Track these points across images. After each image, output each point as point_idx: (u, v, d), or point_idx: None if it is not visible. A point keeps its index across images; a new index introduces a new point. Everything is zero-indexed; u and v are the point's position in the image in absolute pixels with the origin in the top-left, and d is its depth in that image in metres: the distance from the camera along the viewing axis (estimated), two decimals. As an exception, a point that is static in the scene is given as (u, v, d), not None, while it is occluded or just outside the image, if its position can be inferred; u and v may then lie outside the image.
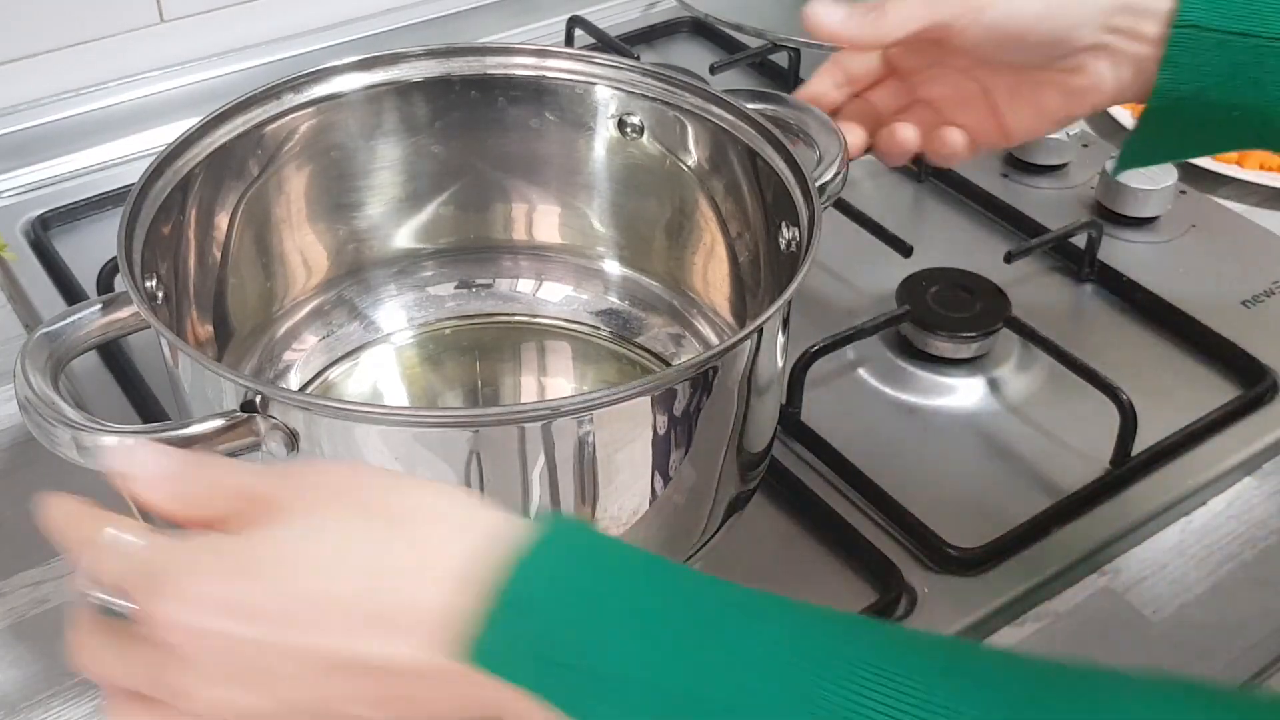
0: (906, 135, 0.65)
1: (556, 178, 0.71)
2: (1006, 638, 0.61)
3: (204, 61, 0.93)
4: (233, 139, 0.62)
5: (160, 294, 0.56)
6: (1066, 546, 0.64)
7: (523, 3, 1.04)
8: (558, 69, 0.67)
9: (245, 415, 0.49)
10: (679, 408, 0.52)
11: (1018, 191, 0.88)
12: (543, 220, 0.72)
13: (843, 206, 0.82)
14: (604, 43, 0.98)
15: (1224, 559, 0.65)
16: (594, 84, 0.67)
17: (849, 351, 0.73)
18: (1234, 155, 0.91)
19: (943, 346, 0.74)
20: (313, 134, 0.66)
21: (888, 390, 0.73)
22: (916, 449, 0.70)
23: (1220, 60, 0.58)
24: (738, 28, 0.94)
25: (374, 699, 0.41)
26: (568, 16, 1.02)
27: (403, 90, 0.66)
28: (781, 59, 0.98)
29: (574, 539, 0.41)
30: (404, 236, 0.72)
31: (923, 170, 0.89)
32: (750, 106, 0.63)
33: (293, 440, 0.49)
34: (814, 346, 0.70)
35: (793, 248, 0.59)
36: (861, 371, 0.74)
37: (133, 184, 0.57)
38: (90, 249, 0.80)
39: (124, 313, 0.53)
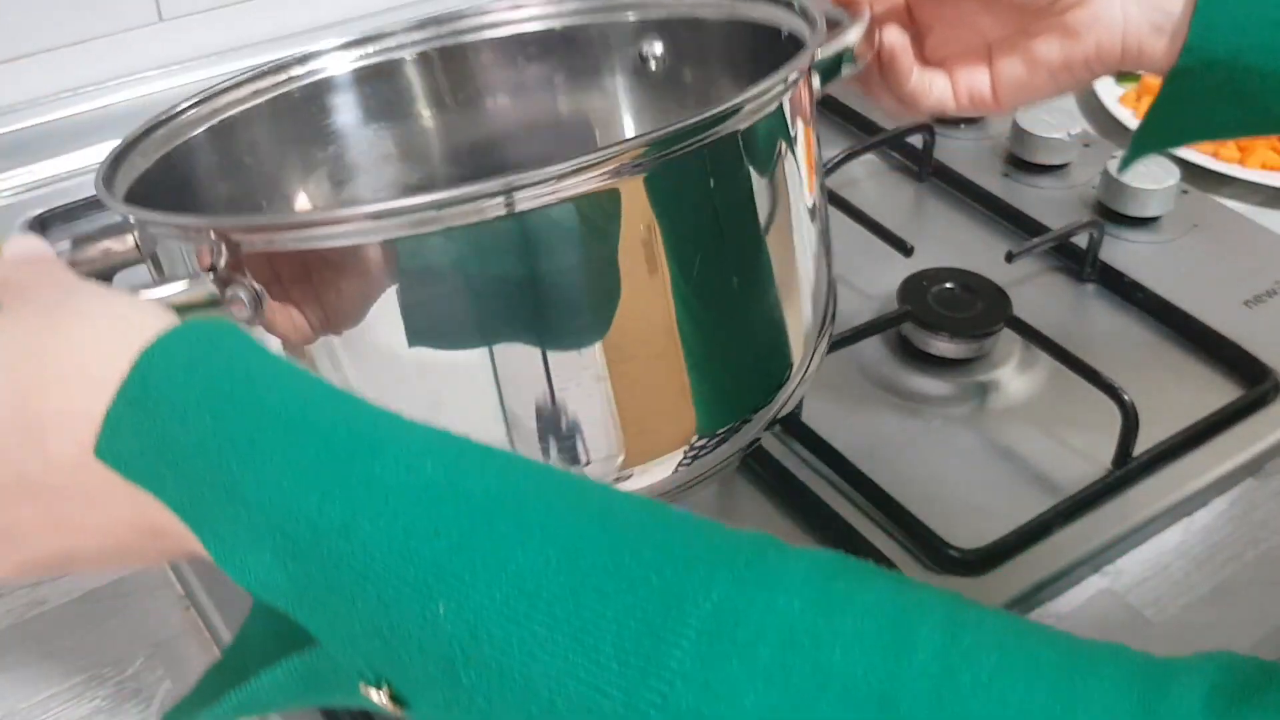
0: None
1: (580, 139, 0.65)
2: (1008, 639, 0.61)
3: (203, 60, 0.93)
4: (219, 123, 0.58)
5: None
6: (1068, 547, 0.64)
7: (523, 2, 1.04)
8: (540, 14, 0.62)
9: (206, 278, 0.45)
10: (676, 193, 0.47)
11: (1019, 191, 0.88)
12: None
13: (843, 205, 0.82)
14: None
15: (1226, 560, 0.65)
16: (609, 20, 0.61)
17: (849, 352, 0.73)
18: (1236, 154, 0.91)
19: (943, 346, 0.74)
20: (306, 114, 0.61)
21: (888, 390, 0.73)
22: (917, 449, 0.70)
23: (1258, 16, 0.53)
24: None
25: (45, 522, 0.39)
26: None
27: (389, 69, 0.62)
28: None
29: (210, 335, 0.38)
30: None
31: (923, 170, 0.89)
32: None
33: (257, 301, 0.45)
34: (815, 346, 0.70)
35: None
36: (862, 372, 0.74)
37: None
38: (89, 249, 0.80)
39: (96, 249, 0.51)
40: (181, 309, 0.42)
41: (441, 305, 0.45)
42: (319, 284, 0.45)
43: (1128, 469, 0.67)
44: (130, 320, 0.38)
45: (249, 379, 0.37)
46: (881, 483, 0.66)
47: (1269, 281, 0.81)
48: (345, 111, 0.63)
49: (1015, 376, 0.74)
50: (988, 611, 0.33)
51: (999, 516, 0.65)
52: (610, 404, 0.48)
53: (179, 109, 0.57)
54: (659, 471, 0.50)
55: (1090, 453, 0.68)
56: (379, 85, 0.63)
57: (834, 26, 0.57)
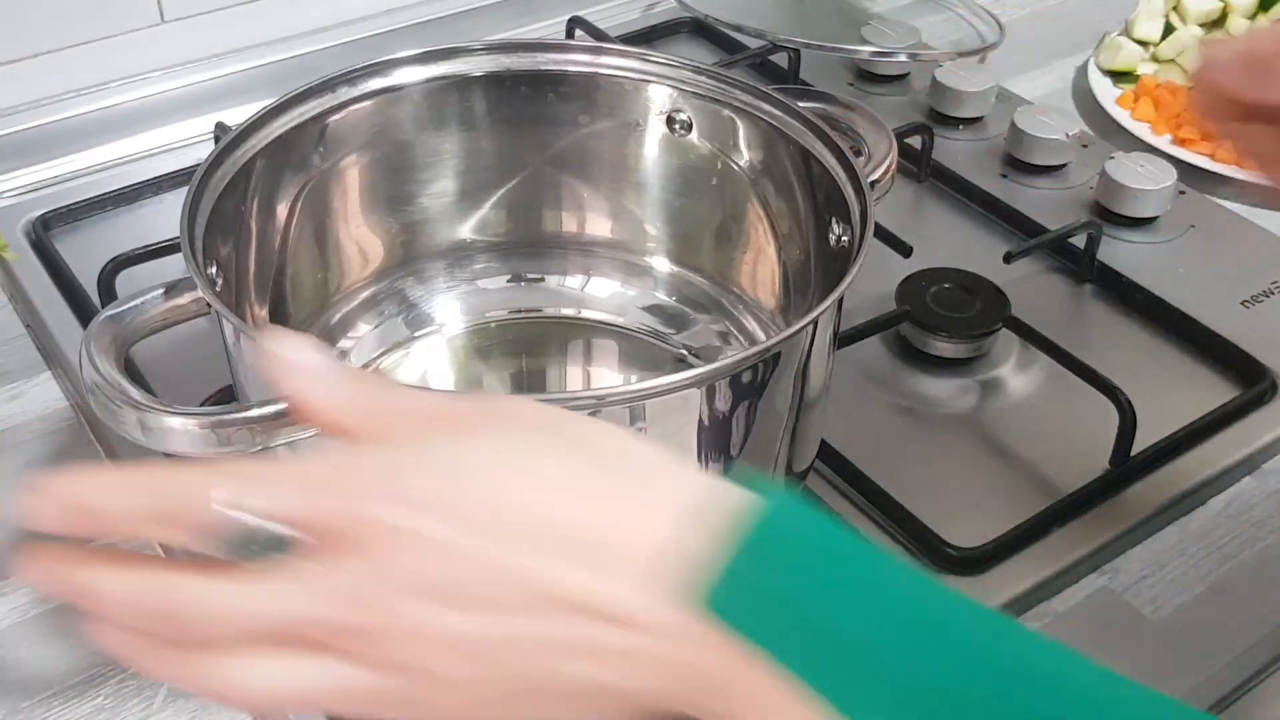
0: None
1: (607, 174, 0.71)
2: (1006, 637, 0.61)
3: (205, 62, 0.93)
4: (290, 130, 0.62)
5: (219, 280, 0.57)
6: (1066, 546, 0.64)
7: (523, 3, 1.04)
8: (610, 65, 0.67)
9: None
10: (730, 401, 0.52)
11: (1017, 191, 0.88)
12: (593, 216, 0.73)
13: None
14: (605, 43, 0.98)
15: (1223, 559, 0.65)
16: (644, 81, 0.67)
17: (848, 352, 0.73)
18: (1233, 155, 0.91)
19: (942, 347, 0.74)
20: (370, 126, 0.67)
21: (887, 390, 0.73)
22: (916, 449, 0.70)
23: None
24: (738, 28, 0.94)
25: (589, 648, 0.37)
26: (568, 17, 1.02)
27: (459, 85, 0.67)
28: (781, 59, 0.98)
29: (802, 502, 0.38)
30: (457, 229, 0.73)
31: (922, 170, 0.89)
32: (801, 105, 0.63)
33: None
34: (814, 347, 0.71)
35: (843, 244, 0.60)
36: (861, 372, 0.74)
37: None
38: (91, 249, 0.80)
39: (186, 298, 0.54)
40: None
41: None
42: None
43: (1125, 468, 0.68)
44: (692, 471, 0.39)
45: (851, 545, 0.37)
46: (880, 482, 0.66)
47: (1266, 282, 0.81)
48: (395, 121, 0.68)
49: (1013, 376, 0.74)
50: None
51: (997, 515, 0.65)
52: None
53: (236, 136, 0.60)
54: None
55: (1088, 452, 0.69)
56: (438, 101, 0.68)
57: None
